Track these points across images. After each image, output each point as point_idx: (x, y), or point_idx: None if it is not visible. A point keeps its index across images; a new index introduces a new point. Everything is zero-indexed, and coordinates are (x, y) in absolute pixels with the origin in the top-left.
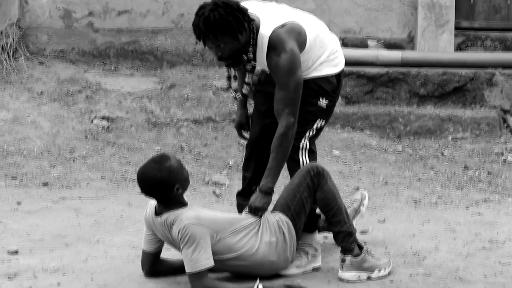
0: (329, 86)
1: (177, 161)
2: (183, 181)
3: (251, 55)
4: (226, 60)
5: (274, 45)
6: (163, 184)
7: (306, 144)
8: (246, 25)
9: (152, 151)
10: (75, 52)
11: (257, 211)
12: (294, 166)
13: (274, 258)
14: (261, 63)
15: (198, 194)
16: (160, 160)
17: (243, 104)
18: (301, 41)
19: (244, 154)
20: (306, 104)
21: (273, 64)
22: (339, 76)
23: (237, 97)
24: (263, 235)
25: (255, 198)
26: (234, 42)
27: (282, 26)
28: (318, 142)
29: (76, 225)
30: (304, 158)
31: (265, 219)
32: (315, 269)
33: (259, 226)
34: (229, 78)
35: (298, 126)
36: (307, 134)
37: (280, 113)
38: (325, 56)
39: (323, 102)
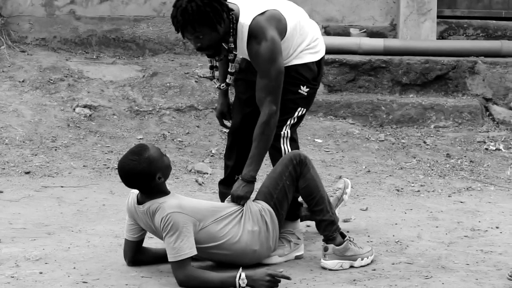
0: (309, 74)
1: (157, 149)
2: (164, 169)
3: (232, 45)
4: (205, 50)
5: (255, 33)
6: (144, 175)
7: (287, 133)
8: (224, 15)
9: (134, 139)
10: (57, 40)
11: (240, 200)
12: (276, 155)
13: (257, 247)
14: (242, 52)
15: (180, 182)
16: (139, 151)
17: (224, 92)
18: (281, 28)
19: (226, 142)
20: (287, 92)
21: (254, 53)
22: (319, 63)
23: (222, 87)
24: (245, 223)
25: (238, 187)
26: (212, 32)
27: (262, 13)
28: (300, 130)
29: (58, 214)
30: (285, 147)
31: (247, 207)
32: (298, 258)
33: (242, 215)
34: (212, 68)
35: (279, 115)
36: (288, 122)
37: (262, 101)
38: (306, 43)
39: (304, 90)
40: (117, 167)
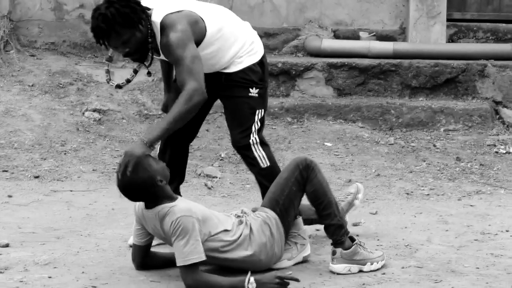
0: (255, 76)
1: (146, 156)
2: (161, 171)
3: (152, 44)
4: (133, 54)
5: (164, 27)
6: (145, 183)
7: (255, 139)
8: (143, 15)
9: None
10: (66, 44)
11: (128, 157)
12: (253, 163)
13: (263, 256)
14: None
15: (189, 186)
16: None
17: (167, 87)
18: (197, 29)
19: (159, 145)
20: (239, 98)
21: (164, 44)
22: (262, 63)
23: (122, 84)
24: (252, 235)
25: (134, 146)
26: (136, 33)
27: (176, 12)
28: (309, 134)
29: (67, 218)
30: (259, 153)
31: (254, 218)
32: (305, 259)
33: (249, 226)
34: (135, 72)
35: (241, 125)
36: (253, 129)
37: (183, 83)
38: (239, 47)
39: (254, 92)
40: (118, 188)
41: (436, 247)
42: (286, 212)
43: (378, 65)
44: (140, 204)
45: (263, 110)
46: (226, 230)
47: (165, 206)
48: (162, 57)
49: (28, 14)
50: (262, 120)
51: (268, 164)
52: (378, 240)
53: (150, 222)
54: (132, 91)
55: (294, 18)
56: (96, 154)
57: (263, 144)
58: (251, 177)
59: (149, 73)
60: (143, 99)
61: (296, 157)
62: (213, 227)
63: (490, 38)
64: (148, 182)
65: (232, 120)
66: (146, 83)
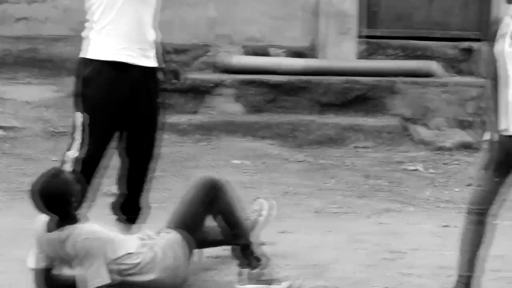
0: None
1: (69, 173)
2: (77, 193)
3: None
4: None
5: None
6: (64, 197)
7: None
8: None
9: (49, 161)
10: None
11: None
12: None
13: (166, 280)
14: None
15: (96, 205)
16: (56, 174)
17: None
18: None
19: None
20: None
21: None
22: None
23: None
24: (156, 258)
25: None
26: None
27: None
28: (217, 151)
29: None
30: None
31: (158, 240)
32: None
33: (152, 249)
34: None
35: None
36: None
37: None
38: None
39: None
40: (32, 192)
41: (345, 266)
42: (192, 232)
43: (288, 81)
44: (40, 227)
45: None
46: (129, 253)
47: (67, 229)
48: None
49: None
50: None
51: None
52: (286, 259)
53: (51, 245)
54: (38, 108)
55: (204, 34)
56: (0, 172)
57: None
58: (158, 196)
59: None
60: (49, 116)
61: (202, 176)
62: (117, 250)
63: (400, 54)
64: (66, 196)
65: (143, 132)
66: (52, 100)
